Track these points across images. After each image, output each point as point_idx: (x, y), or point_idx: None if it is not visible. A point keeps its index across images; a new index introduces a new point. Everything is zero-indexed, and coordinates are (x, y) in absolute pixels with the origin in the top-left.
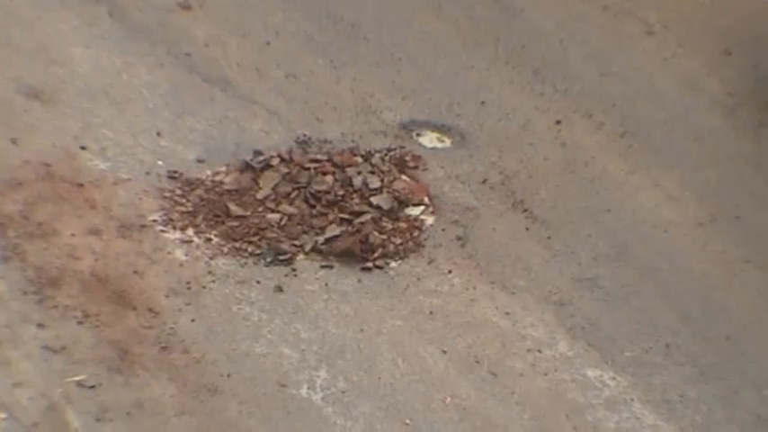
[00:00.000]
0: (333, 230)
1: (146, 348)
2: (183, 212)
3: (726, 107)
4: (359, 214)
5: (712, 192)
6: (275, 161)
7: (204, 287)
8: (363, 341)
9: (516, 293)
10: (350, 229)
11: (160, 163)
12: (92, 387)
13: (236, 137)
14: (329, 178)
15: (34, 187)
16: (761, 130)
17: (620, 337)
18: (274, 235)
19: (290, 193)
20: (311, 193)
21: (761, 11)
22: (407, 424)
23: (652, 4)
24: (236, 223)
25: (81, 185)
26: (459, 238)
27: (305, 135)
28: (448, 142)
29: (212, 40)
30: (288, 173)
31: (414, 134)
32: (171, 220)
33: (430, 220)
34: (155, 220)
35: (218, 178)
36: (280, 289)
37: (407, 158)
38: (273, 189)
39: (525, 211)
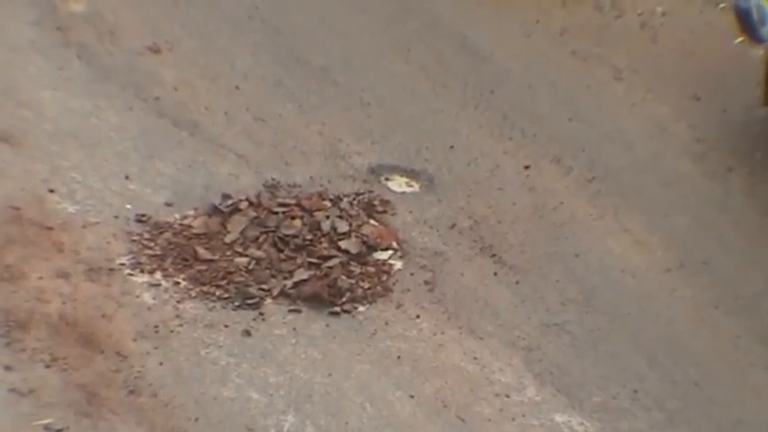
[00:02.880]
0: (301, 275)
1: (114, 392)
2: (151, 256)
3: (694, 152)
4: (327, 258)
5: (680, 237)
6: (244, 205)
7: (172, 331)
8: (331, 385)
9: (484, 338)
10: (318, 273)
11: (129, 206)
12: (59, 430)
13: (204, 180)
14: (297, 222)
15: (2, 230)
16: (729, 176)
17: (588, 382)
18: (242, 279)
19: (258, 237)
20: (279, 238)
21: (730, 56)
22: None
23: (621, 49)
24: (204, 267)
25: (49, 229)
26: (427, 283)
27: (273, 179)
28: (416, 187)
29: (181, 83)
30: (256, 217)
31: (382, 178)
32: (139, 263)
33: (398, 264)
34: (123, 264)
35: (186, 222)
36: (248, 333)
37: (376, 203)
38: (242, 233)
39: (494, 255)
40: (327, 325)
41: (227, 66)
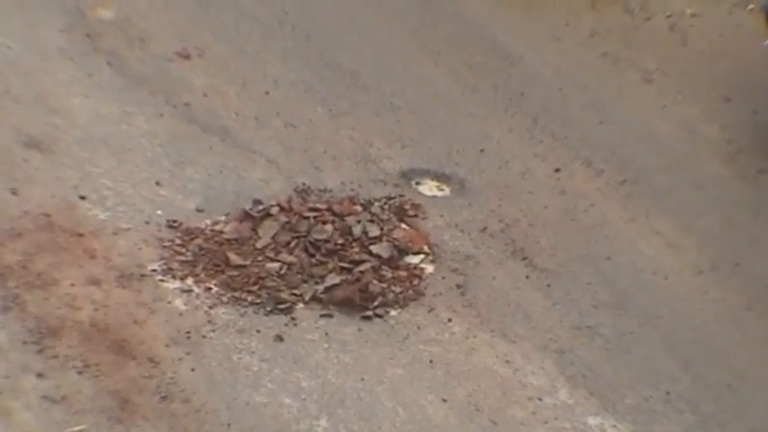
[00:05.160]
0: (332, 279)
1: (146, 398)
2: (182, 262)
3: (725, 154)
4: (358, 263)
5: (712, 239)
6: (275, 210)
7: (204, 336)
8: (364, 390)
9: (516, 342)
10: (350, 277)
11: (160, 212)
12: None
13: (235, 186)
14: (329, 227)
15: (34, 237)
16: (760, 177)
17: (621, 384)
18: (274, 284)
19: (289, 242)
20: (311, 242)
21: (760, 57)
22: None
23: (651, 52)
24: (235, 272)
25: (81, 235)
26: (458, 287)
27: (304, 184)
28: (447, 190)
29: (211, 89)
30: (287, 222)
31: (413, 182)
32: (170, 269)
33: (430, 268)
34: (154, 270)
35: (217, 227)
36: (280, 338)
37: (407, 207)
38: (273, 238)
39: (525, 259)
40: (359, 329)
41: (257, 71)
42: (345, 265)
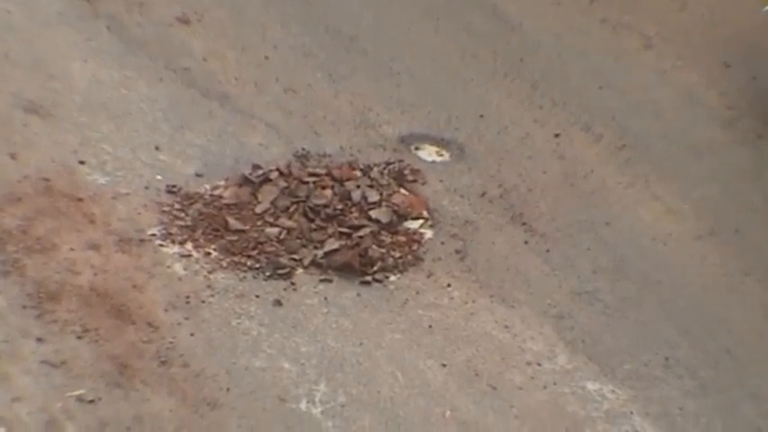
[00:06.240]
0: (332, 244)
1: (145, 362)
2: (181, 227)
3: (725, 120)
4: (358, 228)
5: (711, 205)
6: (274, 175)
7: (203, 301)
8: (363, 355)
9: (515, 307)
10: (349, 242)
11: (159, 177)
12: (91, 401)
13: (234, 151)
14: (328, 192)
15: (33, 202)
16: (760, 143)
17: (620, 350)
18: (273, 249)
19: (288, 207)
20: (310, 207)
21: (759, 23)
22: None
23: (651, 17)
24: (234, 237)
25: (80, 200)
26: (458, 252)
27: (303, 149)
28: (447, 156)
29: (211, 54)
30: (287, 187)
31: (412, 148)
32: (170, 234)
33: (429, 233)
34: (154, 235)
35: (216, 192)
36: (279, 303)
37: (406, 172)
38: (272, 203)
39: (524, 224)
40: (358, 294)
41: (256, 36)
42: (345, 230)
